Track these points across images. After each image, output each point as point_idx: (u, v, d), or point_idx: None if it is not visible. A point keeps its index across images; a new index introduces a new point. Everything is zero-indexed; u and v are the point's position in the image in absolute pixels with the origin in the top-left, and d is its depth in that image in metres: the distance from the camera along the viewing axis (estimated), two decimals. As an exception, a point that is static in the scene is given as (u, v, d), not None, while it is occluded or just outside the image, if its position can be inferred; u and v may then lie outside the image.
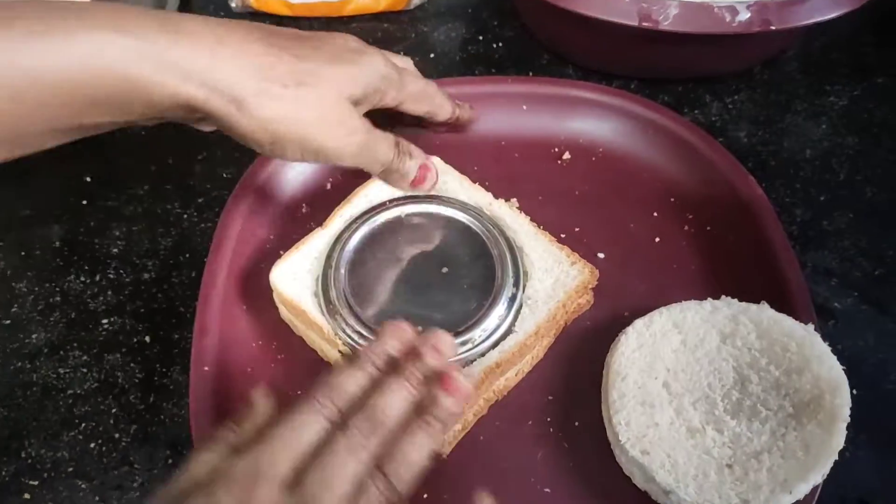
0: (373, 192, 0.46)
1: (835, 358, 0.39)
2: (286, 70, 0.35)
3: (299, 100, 0.35)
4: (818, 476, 0.36)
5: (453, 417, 0.31)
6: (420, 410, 0.31)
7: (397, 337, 0.33)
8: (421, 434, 0.30)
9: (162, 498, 0.29)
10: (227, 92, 0.33)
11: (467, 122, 0.48)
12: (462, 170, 0.48)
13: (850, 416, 0.37)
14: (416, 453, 0.30)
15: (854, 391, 0.42)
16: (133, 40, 0.31)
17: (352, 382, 0.31)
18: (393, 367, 0.32)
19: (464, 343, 0.40)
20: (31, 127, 0.31)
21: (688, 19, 0.47)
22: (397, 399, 0.30)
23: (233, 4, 0.60)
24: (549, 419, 0.41)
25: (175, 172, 0.51)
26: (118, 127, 0.33)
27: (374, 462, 0.29)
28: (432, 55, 0.59)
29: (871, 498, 0.40)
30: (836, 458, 0.36)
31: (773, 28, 0.47)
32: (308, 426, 0.29)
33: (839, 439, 0.36)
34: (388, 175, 0.41)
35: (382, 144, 0.40)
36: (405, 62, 0.44)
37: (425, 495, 0.39)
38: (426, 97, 0.43)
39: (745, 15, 0.47)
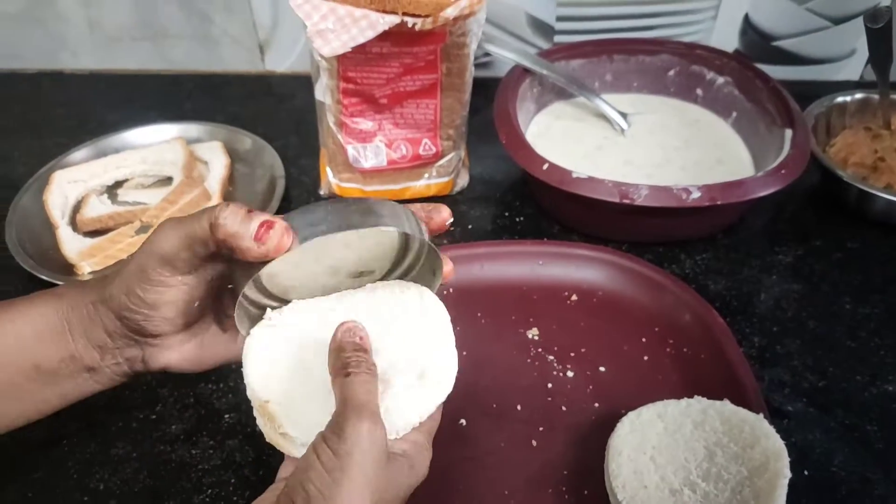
0: None
1: (777, 436, 0.51)
2: None
3: None
4: (767, 521, 0.47)
5: None
6: None
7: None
8: None
9: None
10: None
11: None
12: (493, 309, 0.64)
13: (803, 491, 0.50)
14: None
15: (805, 472, 0.55)
16: None
17: None
18: None
19: None
20: None
21: (655, 197, 0.65)
22: None
23: (322, 192, 0.80)
24: (564, 488, 0.53)
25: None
26: None
27: None
28: (470, 227, 0.77)
29: (823, 554, 0.51)
30: (782, 507, 0.48)
31: (718, 203, 0.65)
32: None
33: (781, 491, 0.48)
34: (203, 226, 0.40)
35: None
36: None
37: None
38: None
39: (696, 194, 0.65)
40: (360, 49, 0.65)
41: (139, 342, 0.45)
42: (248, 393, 0.42)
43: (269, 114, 0.93)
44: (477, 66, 0.74)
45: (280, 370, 0.42)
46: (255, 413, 0.42)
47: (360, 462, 0.36)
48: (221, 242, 0.40)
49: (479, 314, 0.66)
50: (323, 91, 0.73)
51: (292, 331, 0.44)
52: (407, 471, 0.41)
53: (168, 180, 0.78)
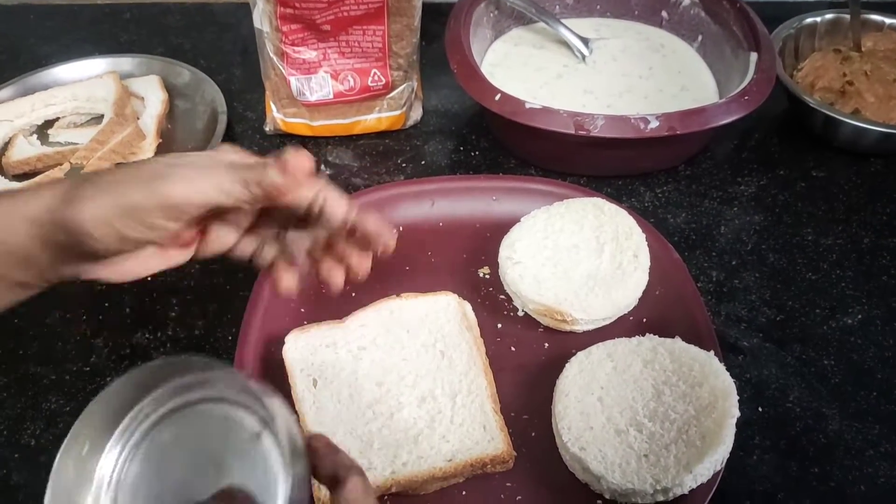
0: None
1: (727, 374, 0.50)
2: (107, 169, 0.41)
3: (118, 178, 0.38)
4: (713, 460, 0.46)
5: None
6: None
7: None
8: None
9: None
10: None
11: (376, 236, 0.43)
12: (444, 247, 0.62)
13: (757, 427, 0.48)
14: None
15: (759, 409, 0.54)
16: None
17: None
18: None
19: None
20: None
21: (611, 127, 0.62)
22: None
23: (267, 129, 0.76)
24: (511, 430, 0.52)
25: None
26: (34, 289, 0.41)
27: None
28: (423, 162, 0.74)
29: (773, 489, 0.50)
30: (729, 446, 0.46)
31: (678, 132, 0.62)
32: None
33: (729, 431, 0.47)
34: (248, 186, 0.39)
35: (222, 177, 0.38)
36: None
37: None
38: (296, 186, 0.39)
39: (654, 123, 0.62)
40: (295, -31, 0.61)
41: (82, 261, 0.40)
42: None
43: (213, 44, 0.88)
44: (432, -11, 0.69)
45: None
46: None
47: None
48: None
49: (429, 252, 0.63)
50: (260, 17, 0.68)
51: None
52: None
53: (102, 118, 0.73)
